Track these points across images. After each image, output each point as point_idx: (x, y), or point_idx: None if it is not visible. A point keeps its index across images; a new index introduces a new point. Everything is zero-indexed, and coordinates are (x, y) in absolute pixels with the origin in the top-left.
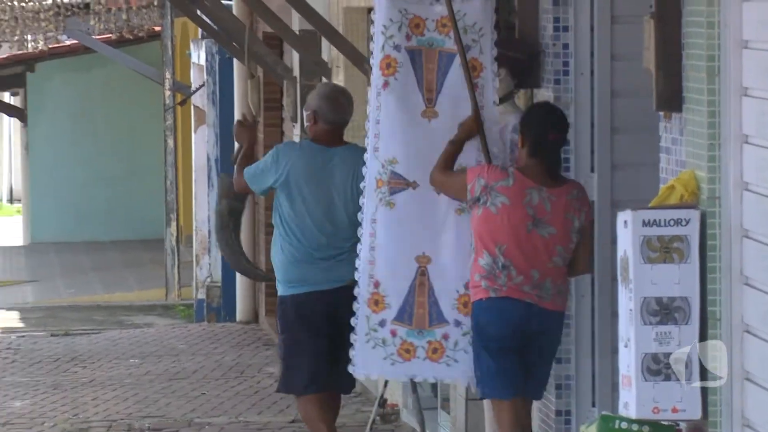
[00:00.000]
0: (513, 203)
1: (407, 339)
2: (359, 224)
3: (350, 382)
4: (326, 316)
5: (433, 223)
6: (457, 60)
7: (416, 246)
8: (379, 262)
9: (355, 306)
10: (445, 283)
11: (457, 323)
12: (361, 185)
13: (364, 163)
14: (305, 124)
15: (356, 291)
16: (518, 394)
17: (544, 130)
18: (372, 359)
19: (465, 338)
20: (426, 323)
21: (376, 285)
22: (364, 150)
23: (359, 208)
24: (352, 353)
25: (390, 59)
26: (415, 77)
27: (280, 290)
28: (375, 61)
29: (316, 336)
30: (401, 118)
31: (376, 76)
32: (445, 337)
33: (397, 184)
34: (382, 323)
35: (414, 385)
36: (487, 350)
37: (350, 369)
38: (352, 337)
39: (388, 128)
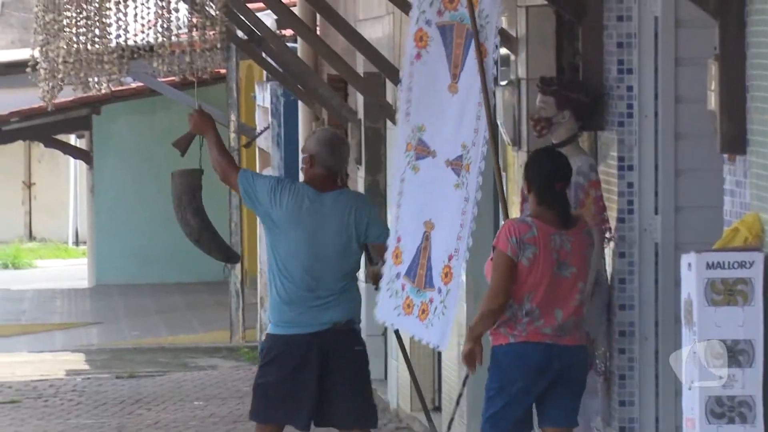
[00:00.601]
0: (541, 251)
1: (410, 295)
2: (350, 268)
3: (361, 417)
4: (311, 357)
5: (439, 193)
6: (472, 43)
7: (426, 212)
8: (402, 219)
9: (386, 255)
10: (438, 251)
11: (439, 290)
12: (392, 150)
13: (355, 206)
14: (301, 166)
15: (388, 241)
16: None
17: (551, 181)
18: (387, 308)
19: (441, 305)
20: (423, 284)
21: (398, 240)
22: (356, 193)
23: (351, 251)
24: (377, 298)
25: (422, 33)
26: (444, 52)
27: (270, 328)
28: (410, 32)
29: (297, 374)
30: (431, 89)
31: (410, 47)
32: (431, 300)
33: (422, 150)
34: (397, 275)
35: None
36: (503, 392)
37: (375, 312)
38: (380, 284)
39: (419, 97)
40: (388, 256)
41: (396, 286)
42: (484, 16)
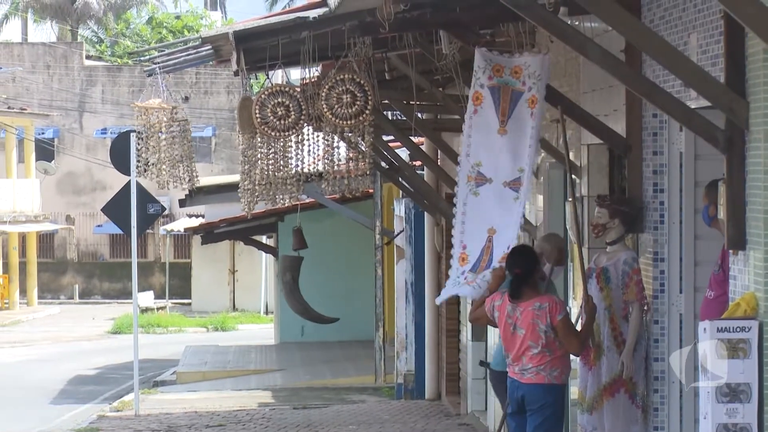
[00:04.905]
0: (501, 314)
1: (469, 277)
2: None
3: None
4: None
5: (500, 206)
6: (523, 97)
7: (488, 222)
8: (467, 233)
9: (451, 261)
10: (500, 247)
11: (492, 268)
12: (456, 178)
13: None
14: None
15: (452, 251)
16: None
17: (511, 268)
18: (446, 292)
19: (486, 274)
20: (482, 270)
21: (464, 247)
22: None
23: None
24: (443, 291)
25: (478, 94)
26: (494, 106)
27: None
28: (470, 95)
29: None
30: (485, 134)
31: (470, 105)
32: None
33: (480, 179)
34: (463, 272)
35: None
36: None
37: (435, 300)
38: (446, 282)
39: (476, 141)
40: (455, 260)
41: (460, 280)
42: (536, 76)
